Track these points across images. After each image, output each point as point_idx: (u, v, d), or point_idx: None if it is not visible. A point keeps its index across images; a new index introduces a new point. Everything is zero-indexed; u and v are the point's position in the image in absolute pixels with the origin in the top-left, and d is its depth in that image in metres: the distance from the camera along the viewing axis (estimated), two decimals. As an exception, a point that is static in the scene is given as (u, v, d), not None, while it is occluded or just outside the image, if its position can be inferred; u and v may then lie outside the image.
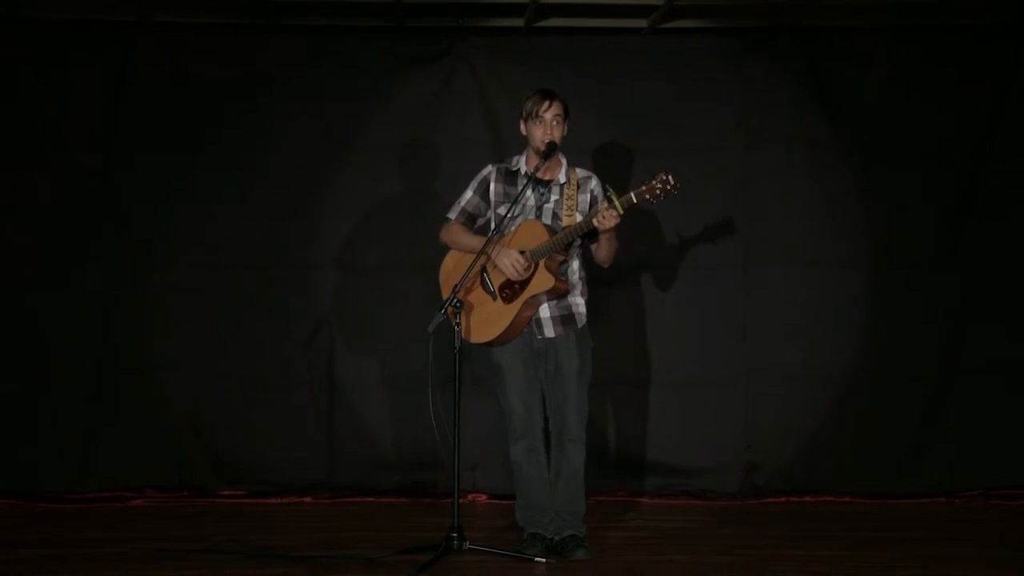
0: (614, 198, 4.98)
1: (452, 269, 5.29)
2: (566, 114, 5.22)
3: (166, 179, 6.82)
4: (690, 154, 6.72)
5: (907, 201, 6.92)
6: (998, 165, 6.91)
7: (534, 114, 5.18)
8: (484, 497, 6.79)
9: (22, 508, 6.49)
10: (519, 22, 6.94)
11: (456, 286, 5.08)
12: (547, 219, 5.22)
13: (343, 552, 5.24)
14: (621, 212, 4.97)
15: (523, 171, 5.27)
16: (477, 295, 5.23)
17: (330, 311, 6.88)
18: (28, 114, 6.79)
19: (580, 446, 5.24)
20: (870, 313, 6.95)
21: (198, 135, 6.85)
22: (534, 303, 5.18)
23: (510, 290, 5.16)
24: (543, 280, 5.11)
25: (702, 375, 6.91)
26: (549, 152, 5.15)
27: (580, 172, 5.32)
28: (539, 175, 5.22)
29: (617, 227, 5.02)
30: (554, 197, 5.24)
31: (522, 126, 5.25)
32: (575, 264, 5.27)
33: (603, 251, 5.21)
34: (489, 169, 5.35)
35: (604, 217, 4.98)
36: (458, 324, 5.08)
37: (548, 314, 5.22)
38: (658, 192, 4.96)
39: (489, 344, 5.22)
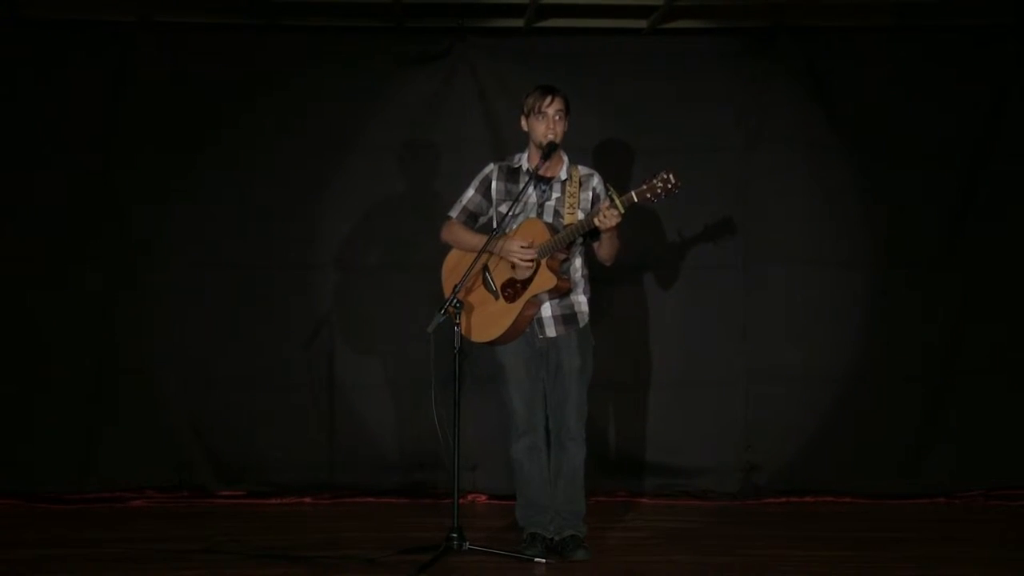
0: (615, 197, 4.99)
1: (453, 268, 5.28)
2: (567, 110, 5.22)
3: (166, 179, 6.82)
4: (690, 154, 6.72)
5: (907, 201, 6.92)
6: (998, 165, 6.91)
7: (536, 110, 5.18)
8: (484, 497, 6.78)
9: (22, 508, 6.49)
10: (519, 22, 6.94)
11: (456, 286, 5.08)
12: (548, 216, 5.21)
13: (343, 552, 5.25)
14: (622, 211, 4.97)
15: (525, 168, 5.27)
16: (479, 294, 5.22)
17: (330, 311, 6.88)
18: (28, 114, 6.79)
19: (580, 445, 5.24)
20: (870, 313, 6.95)
21: (198, 135, 6.84)
22: (536, 302, 5.17)
23: (512, 289, 5.16)
24: (545, 279, 5.11)
25: (702, 375, 6.91)
26: (549, 152, 5.15)
27: (582, 169, 5.32)
28: (541, 172, 5.22)
29: (618, 226, 5.03)
30: (555, 194, 5.24)
31: (523, 122, 5.25)
32: (578, 262, 5.27)
33: (605, 250, 5.21)
34: (491, 167, 5.35)
35: (605, 216, 4.98)
36: (458, 324, 5.08)
37: (550, 313, 5.22)
38: (659, 191, 4.95)
39: (491, 344, 5.22)
